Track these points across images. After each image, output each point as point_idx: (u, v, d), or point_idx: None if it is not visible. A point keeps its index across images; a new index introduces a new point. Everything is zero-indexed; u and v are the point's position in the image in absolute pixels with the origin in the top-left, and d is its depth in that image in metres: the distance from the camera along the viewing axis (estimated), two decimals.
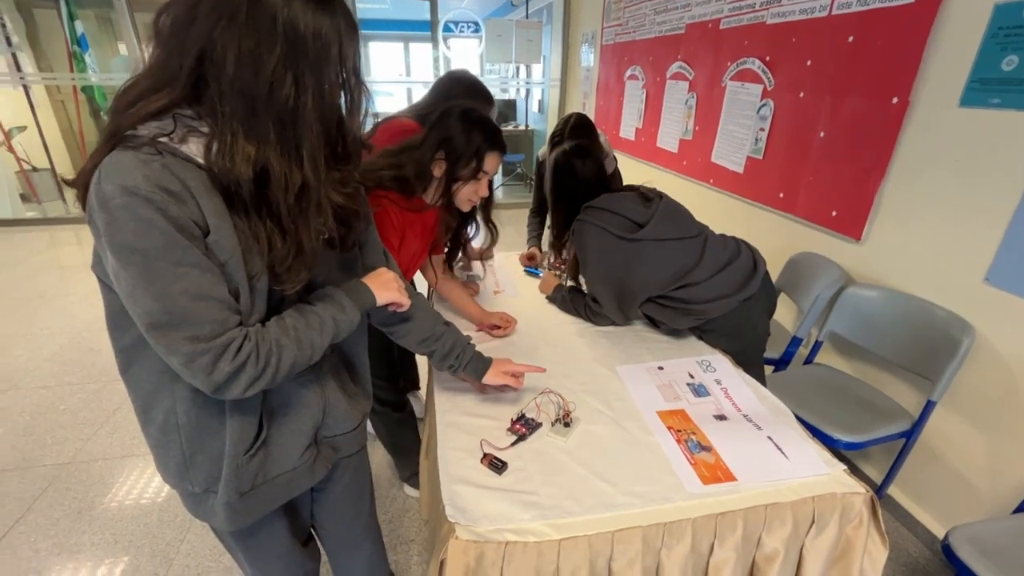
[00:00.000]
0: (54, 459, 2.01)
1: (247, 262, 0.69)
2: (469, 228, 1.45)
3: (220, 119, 0.64)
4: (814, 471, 0.98)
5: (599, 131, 2.15)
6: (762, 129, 2.26)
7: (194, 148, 0.65)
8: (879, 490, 1.74)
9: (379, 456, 1.96)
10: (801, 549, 0.94)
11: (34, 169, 5.26)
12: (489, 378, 1.14)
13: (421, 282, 1.66)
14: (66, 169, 5.31)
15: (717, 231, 1.57)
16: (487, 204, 1.37)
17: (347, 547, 1.12)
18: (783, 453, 1.02)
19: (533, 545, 0.82)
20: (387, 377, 1.59)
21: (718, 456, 1.02)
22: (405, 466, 1.83)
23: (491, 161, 1.22)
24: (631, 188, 1.52)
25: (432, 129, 1.21)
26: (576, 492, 0.93)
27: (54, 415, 2.26)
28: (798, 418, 1.54)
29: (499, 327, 1.48)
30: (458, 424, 1.11)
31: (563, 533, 0.85)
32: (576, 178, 1.49)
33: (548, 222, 1.65)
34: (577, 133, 1.96)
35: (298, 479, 0.89)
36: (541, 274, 1.93)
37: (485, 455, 1.01)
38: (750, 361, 1.40)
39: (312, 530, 1.10)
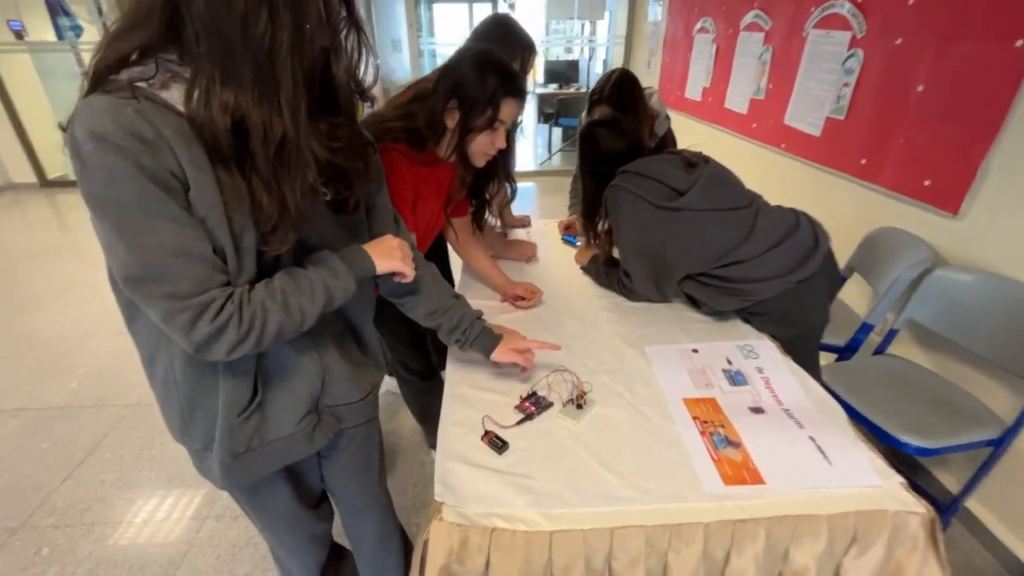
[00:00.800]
0: (123, 400, 2.20)
1: (231, 219, 0.66)
2: (493, 186, 1.35)
3: (197, 62, 0.60)
4: (862, 481, 0.84)
5: (650, 88, 1.96)
6: (846, 84, 1.96)
7: (176, 95, 0.61)
8: (955, 502, 1.53)
9: (411, 422, 1.98)
10: (838, 569, 0.82)
11: None
12: (497, 356, 1.07)
13: (457, 265, 1.61)
14: None
15: (787, 202, 1.38)
16: (507, 158, 1.27)
17: (355, 514, 1.12)
18: (825, 457, 0.89)
19: (522, 534, 0.76)
20: (414, 345, 1.57)
21: (747, 454, 0.90)
22: (432, 433, 1.82)
23: (508, 108, 1.11)
24: (674, 152, 1.36)
25: (444, 75, 1.12)
26: (577, 481, 0.85)
27: (126, 360, 2.47)
28: (858, 416, 1.38)
29: (523, 298, 1.40)
30: (465, 397, 1.06)
31: (556, 524, 0.78)
32: (600, 152, 1.35)
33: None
34: (618, 91, 1.79)
35: (295, 446, 0.87)
36: (579, 243, 1.81)
37: (486, 432, 0.95)
38: (802, 349, 1.24)
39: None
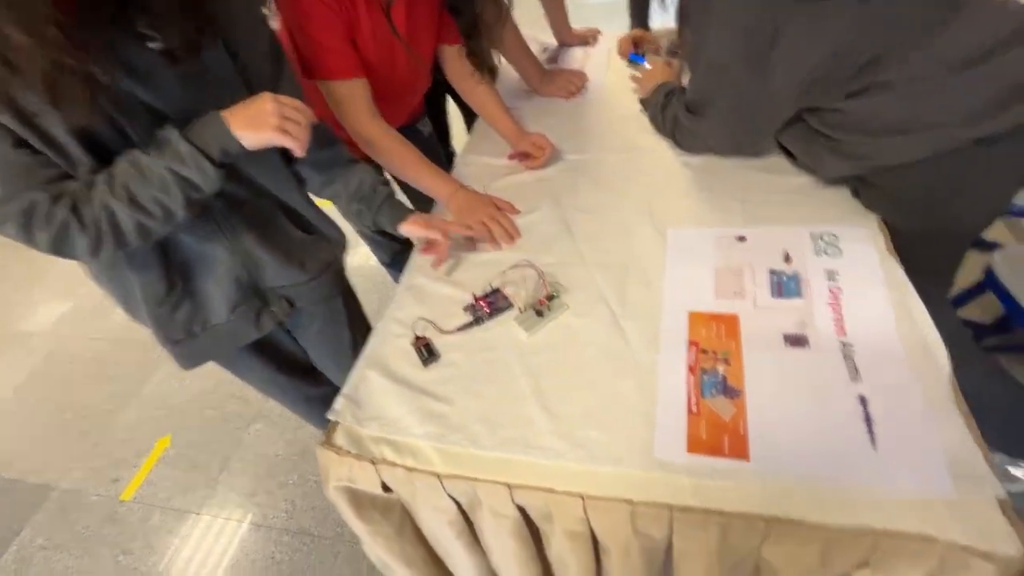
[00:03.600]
0: None
1: (9, 98, 0.53)
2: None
3: None
4: (918, 487, 0.53)
5: None
6: None
7: None
8: None
9: None
10: None
11: None
12: (408, 227, 0.90)
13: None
14: None
15: None
16: None
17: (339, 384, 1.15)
18: (871, 434, 0.57)
19: (403, 472, 0.65)
20: None
21: (742, 410, 0.62)
22: None
23: None
24: None
25: None
26: (498, 416, 0.69)
27: None
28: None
29: (530, 155, 1.09)
30: (419, 290, 0.90)
31: (450, 467, 0.65)
32: None
33: None
34: None
35: (239, 331, 0.86)
36: (646, 64, 1.32)
37: (418, 337, 0.80)
38: (934, 253, 0.78)
39: None
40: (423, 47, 1.02)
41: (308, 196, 0.88)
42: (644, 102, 1.20)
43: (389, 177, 1.18)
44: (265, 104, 0.64)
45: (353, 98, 0.90)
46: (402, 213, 0.90)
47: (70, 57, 0.51)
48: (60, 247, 0.61)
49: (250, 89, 0.69)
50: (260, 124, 0.64)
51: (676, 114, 1.02)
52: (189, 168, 0.61)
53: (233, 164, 0.68)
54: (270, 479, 1.53)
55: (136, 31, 0.58)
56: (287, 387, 1.06)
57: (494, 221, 0.94)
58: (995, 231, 1.64)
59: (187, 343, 0.82)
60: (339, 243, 0.93)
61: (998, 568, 0.47)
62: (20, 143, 0.56)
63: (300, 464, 1.56)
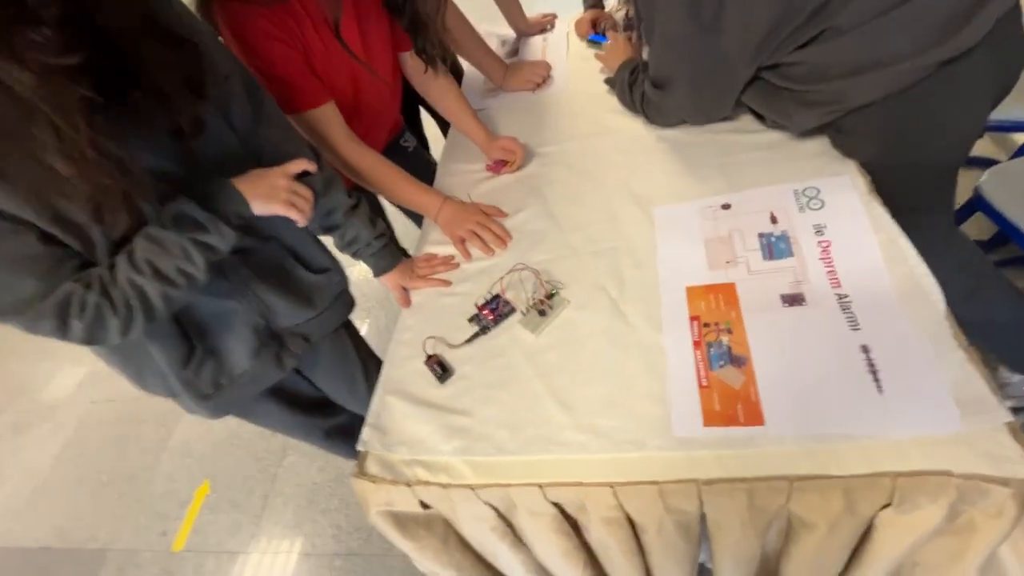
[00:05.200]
0: None
1: (36, 197, 0.54)
2: None
3: None
4: (927, 426, 0.55)
5: None
6: None
7: None
8: None
9: None
10: (872, 519, 0.60)
11: None
12: (384, 280, 0.96)
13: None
14: None
15: None
16: None
17: (357, 413, 1.16)
18: (877, 380, 0.59)
19: (438, 489, 0.68)
20: None
21: (752, 376, 0.64)
22: None
23: None
24: None
25: None
26: (517, 418, 0.71)
27: None
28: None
29: (506, 162, 1.09)
30: (421, 307, 0.92)
31: (482, 477, 0.67)
32: None
33: None
34: None
35: (264, 375, 0.88)
36: (608, 43, 1.31)
37: (429, 356, 0.82)
38: (916, 186, 0.78)
39: None
40: (383, 62, 1.02)
41: (312, 234, 0.90)
42: (610, 82, 1.20)
43: (383, 203, 1.19)
44: (278, 180, 0.70)
45: (327, 124, 0.91)
46: (387, 263, 0.94)
47: (109, 178, 0.53)
48: (94, 333, 0.62)
49: (245, 145, 0.72)
50: (271, 198, 0.69)
51: (644, 90, 1.03)
52: (210, 235, 0.64)
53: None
54: (312, 507, 1.57)
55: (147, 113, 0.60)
56: (305, 425, 1.09)
57: (484, 228, 0.96)
58: (987, 148, 1.65)
59: (215, 397, 0.84)
60: (342, 274, 0.96)
61: (1015, 491, 0.49)
62: (46, 236, 0.57)
63: (338, 488, 1.59)
